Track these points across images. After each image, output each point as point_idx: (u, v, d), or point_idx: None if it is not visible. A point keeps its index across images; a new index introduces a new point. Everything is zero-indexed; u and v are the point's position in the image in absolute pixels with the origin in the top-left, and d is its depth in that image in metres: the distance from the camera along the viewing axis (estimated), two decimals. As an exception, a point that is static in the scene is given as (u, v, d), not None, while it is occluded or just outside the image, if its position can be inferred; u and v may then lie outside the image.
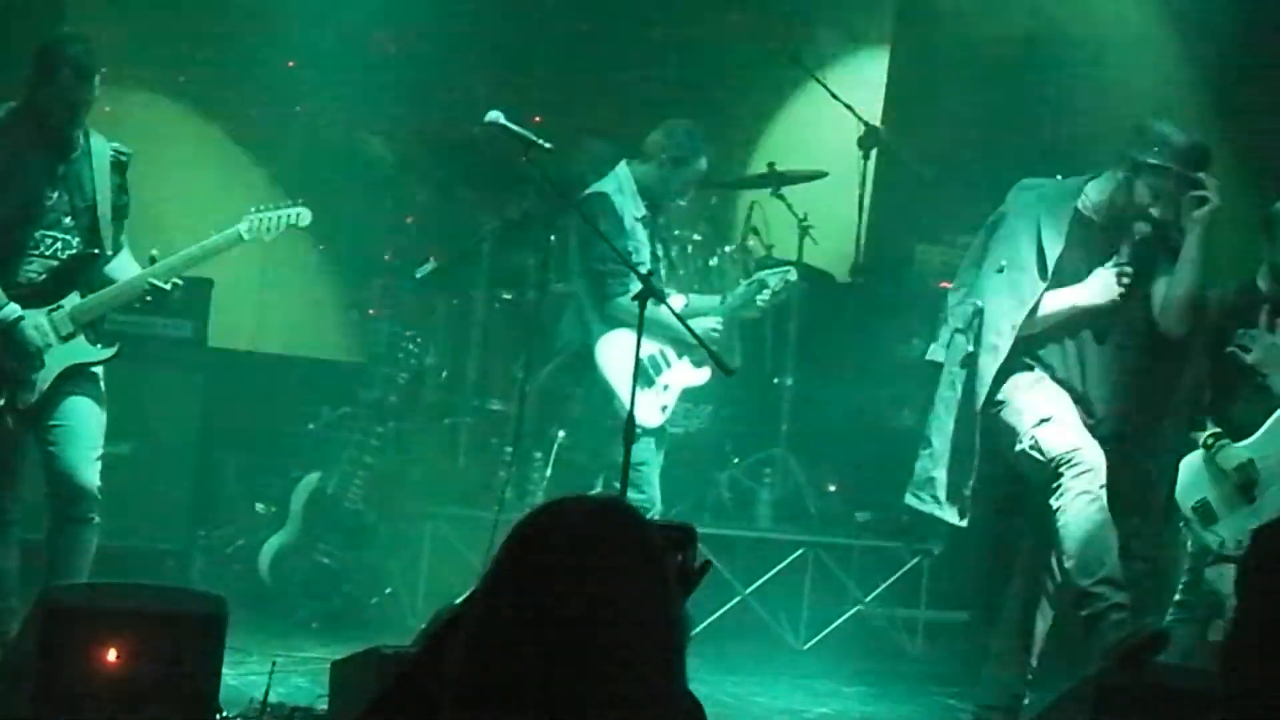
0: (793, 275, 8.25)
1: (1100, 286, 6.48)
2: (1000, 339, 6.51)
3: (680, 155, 7.76)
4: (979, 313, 6.60)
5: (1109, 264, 6.51)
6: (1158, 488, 6.83)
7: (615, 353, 7.42)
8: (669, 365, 7.73)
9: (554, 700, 2.38)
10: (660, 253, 7.87)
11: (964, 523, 6.63)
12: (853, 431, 9.51)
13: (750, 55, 10.83)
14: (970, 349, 6.59)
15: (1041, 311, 6.48)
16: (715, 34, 10.94)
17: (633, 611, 2.45)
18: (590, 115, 9.89)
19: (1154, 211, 6.45)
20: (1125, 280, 6.46)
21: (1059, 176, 6.82)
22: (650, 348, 7.52)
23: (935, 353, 6.84)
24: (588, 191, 7.60)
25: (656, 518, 7.70)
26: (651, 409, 7.59)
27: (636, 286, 6.93)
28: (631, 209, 7.66)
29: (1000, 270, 6.57)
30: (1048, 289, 6.48)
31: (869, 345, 9.70)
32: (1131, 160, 6.44)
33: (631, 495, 7.38)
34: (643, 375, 7.48)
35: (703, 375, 7.71)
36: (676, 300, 7.58)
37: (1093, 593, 6.17)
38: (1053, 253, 6.49)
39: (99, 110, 6.54)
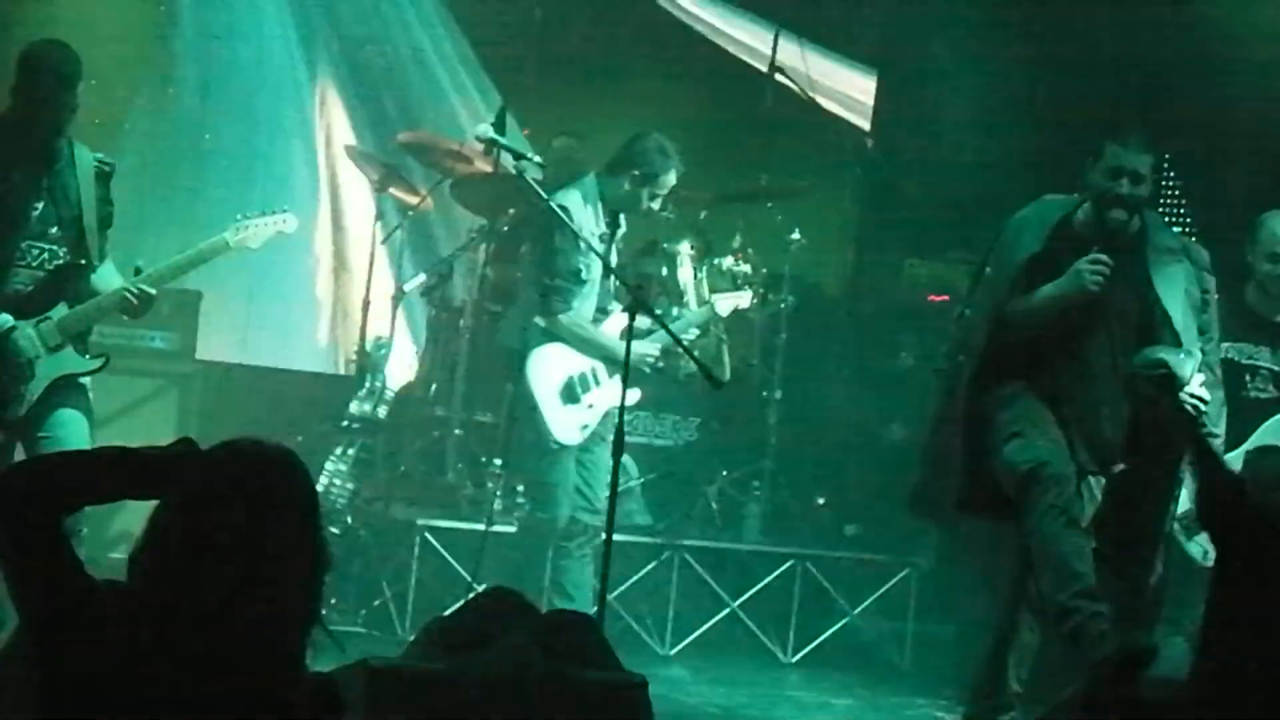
0: (745, 303, 8.23)
1: (1074, 276, 6.32)
2: (978, 340, 6.51)
3: (651, 170, 7.52)
4: (967, 320, 6.62)
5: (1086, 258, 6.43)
6: (1146, 505, 6.72)
7: (545, 367, 7.38)
8: (598, 384, 7.53)
9: (217, 613, 2.92)
10: (614, 265, 7.62)
11: (953, 533, 6.61)
12: (841, 444, 9.51)
13: (739, 67, 10.85)
14: (960, 358, 6.60)
15: (1011, 308, 6.46)
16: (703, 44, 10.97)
17: (284, 540, 3.01)
18: (569, 121, 9.89)
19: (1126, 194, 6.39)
20: (1101, 269, 6.28)
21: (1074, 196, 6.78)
22: (582, 365, 7.45)
23: (941, 365, 6.85)
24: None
25: (600, 534, 7.05)
26: (571, 427, 7.46)
27: (579, 303, 6.93)
28: (590, 224, 7.40)
29: (985, 275, 6.59)
30: (1025, 291, 6.47)
31: (857, 359, 9.70)
32: (1090, 178, 6.43)
33: (540, 516, 7.38)
34: (569, 393, 7.40)
35: (633, 396, 7.25)
36: (618, 317, 7.47)
37: (1070, 606, 6.10)
38: (1025, 253, 6.47)
39: (88, 120, 6.52)
